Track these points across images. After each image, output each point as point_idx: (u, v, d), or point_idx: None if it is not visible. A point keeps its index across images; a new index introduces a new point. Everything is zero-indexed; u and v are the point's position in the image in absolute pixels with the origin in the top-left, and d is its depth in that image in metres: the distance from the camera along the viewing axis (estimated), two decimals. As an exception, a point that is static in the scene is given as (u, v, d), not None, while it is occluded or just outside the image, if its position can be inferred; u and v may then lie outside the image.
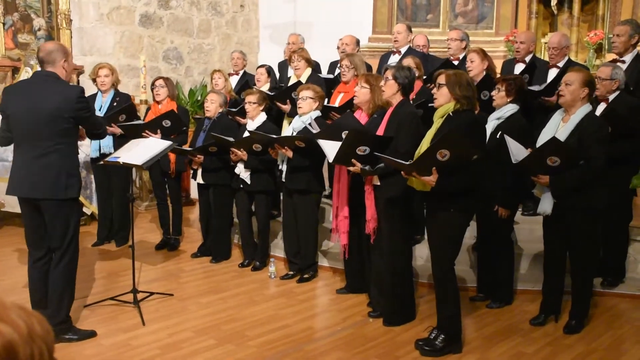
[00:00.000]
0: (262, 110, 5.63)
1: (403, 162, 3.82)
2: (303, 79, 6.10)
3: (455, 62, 6.32)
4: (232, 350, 3.97)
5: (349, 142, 4.17)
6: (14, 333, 1.01)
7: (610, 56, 6.47)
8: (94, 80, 6.23)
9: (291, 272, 5.50)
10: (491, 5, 8.72)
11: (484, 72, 5.41)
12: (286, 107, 6.06)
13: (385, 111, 4.42)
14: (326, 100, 5.85)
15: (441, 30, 8.65)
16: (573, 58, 7.08)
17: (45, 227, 4.03)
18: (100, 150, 6.11)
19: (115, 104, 6.09)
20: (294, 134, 5.22)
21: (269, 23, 10.71)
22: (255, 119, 5.61)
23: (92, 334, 4.15)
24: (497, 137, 4.43)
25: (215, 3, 10.13)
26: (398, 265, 4.37)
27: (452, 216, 3.82)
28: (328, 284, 5.35)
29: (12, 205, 6.52)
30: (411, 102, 4.63)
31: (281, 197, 5.72)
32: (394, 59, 6.35)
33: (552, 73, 5.57)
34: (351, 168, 4.29)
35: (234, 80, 7.26)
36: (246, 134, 5.50)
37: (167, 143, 4.65)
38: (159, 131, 5.77)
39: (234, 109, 6.21)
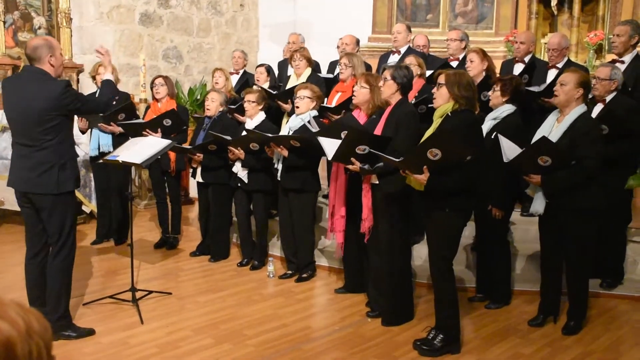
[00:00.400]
0: (261, 110, 5.63)
1: (394, 159, 3.82)
2: (303, 79, 6.10)
3: (455, 63, 6.32)
4: (230, 349, 3.97)
5: (349, 141, 4.17)
6: (12, 330, 1.02)
7: (610, 57, 6.46)
8: (94, 79, 6.24)
9: (289, 272, 5.50)
10: (491, 6, 8.72)
11: (484, 73, 5.40)
12: (287, 107, 6.06)
13: (383, 111, 4.42)
14: (325, 99, 5.87)
15: (441, 31, 8.64)
16: (573, 59, 7.08)
17: (42, 223, 4.04)
18: (99, 148, 6.11)
19: (114, 102, 6.08)
20: (291, 132, 5.22)
21: (269, 22, 10.71)
22: (254, 118, 5.61)
23: (90, 332, 4.15)
24: (493, 137, 4.43)
25: (215, 2, 10.13)
26: (396, 265, 4.37)
27: (448, 216, 3.82)
28: (326, 284, 5.35)
29: (12, 203, 6.50)
30: (411, 101, 4.63)
31: (279, 197, 5.71)
32: (393, 59, 6.35)
33: (552, 74, 5.56)
34: (350, 167, 4.29)
35: (234, 79, 7.26)
36: (244, 132, 5.50)
37: (166, 142, 4.65)
38: (159, 130, 5.77)
39: (233, 107, 6.22)
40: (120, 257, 5.93)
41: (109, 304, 4.67)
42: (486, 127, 4.57)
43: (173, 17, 9.53)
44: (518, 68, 6.00)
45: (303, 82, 5.71)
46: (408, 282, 4.55)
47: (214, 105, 5.84)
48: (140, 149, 4.51)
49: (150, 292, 4.87)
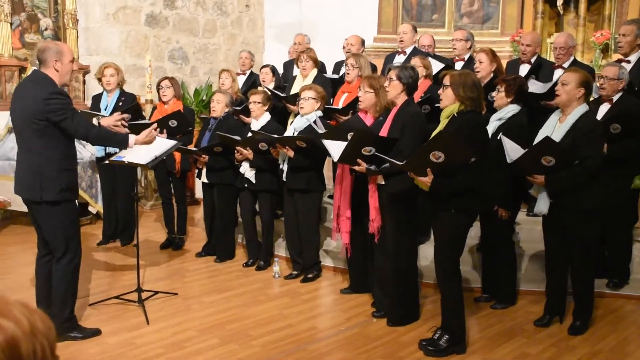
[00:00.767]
0: (266, 110, 5.64)
1: (398, 162, 3.82)
2: (309, 79, 6.10)
3: (461, 63, 6.32)
4: (235, 350, 3.98)
5: (355, 142, 4.18)
6: (16, 329, 1.04)
7: (616, 56, 6.44)
8: (100, 80, 6.25)
9: (295, 272, 5.51)
10: (497, 6, 8.70)
11: (492, 74, 5.39)
12: (295, 108, 6.06)
13: (388, 112, 4.42)
14: (331, 100, 5.87)
15: (446, 31, 8.63)
16: (579, 58, 7.05)
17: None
18: (105, 149, 6.12)
19: (120, 103, 6.11)
20: (296, 133, 5.23)
21: (274, 23, 10.72)
22: (259, 119, 5.62)
23: (96, 332, 4.17)
24: (498, 138, 4.42)
25: (220, 3, 10.14)
26: (402, 265, 4.36)
27: (453, 217, 3.82)
28: (332, 284, 5.35)
29: (19, 204, 6.54)
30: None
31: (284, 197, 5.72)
32: (399, 59, 6.35)
33: (558, 74, 5.54)
34: (356, 168, 4.29)
35: (240, 80, 7.27)
36: (250, 133, 5.51)
37: (172, 143, 4.66)
38: (165, 131, 5.78)
39: (238, 108, 6.23)
40: (126, 258, 5.95)
41: (115, 304, 4.69)
42: (491, 127, 4.56)
43: (179, 18, 9.56)
44: (524, 68, 5.98)
45: (307, 84, 5.71)
46: (414, 282, 4.54)
47: (219, 107, 5.85)
48: (146, 150, 4.51)
49: (156, 292, 4.88)
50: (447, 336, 3.95)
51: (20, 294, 4.70)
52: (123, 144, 4.18)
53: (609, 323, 4.52)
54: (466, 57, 6.34)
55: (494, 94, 4.63)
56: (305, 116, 5.20)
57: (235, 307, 4.75)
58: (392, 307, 4.46)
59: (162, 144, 4.58)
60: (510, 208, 4.57)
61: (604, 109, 4.84)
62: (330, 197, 5.92)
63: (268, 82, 6.73)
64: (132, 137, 4.18)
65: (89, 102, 6.94)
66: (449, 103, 3.87)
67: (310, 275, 5.41)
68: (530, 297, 4.94)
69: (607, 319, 4.60)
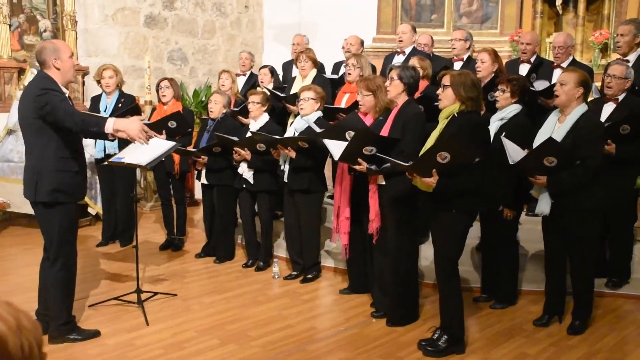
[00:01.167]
0: (264, 111, 5.64)
1: (403, 163, 3.82)
2: (309, 80, 6.10)
3: (460, 63, 6.32)
4: (235, 350, 3.98)
5: (357, 141, 4.18)
6: (2, 325, 1.08)
7: (615, 56, 6.44)
8: (99, 82, 6.25)
9: (294, 273, 5.51)
10: (496, 5, 8.69)
11: (493, 74, 5.40)
12: (294, 108, 6.06)
13: (389, 112, 4.42)
14: (331, 100, 5.87)
15: (445, 31, 8.62)
16: (578, 58, 7.05)
17: None
18: (105, 150, 6.13)
19: (120, 105, 6.11)
20: (296, 134, 5.23)
21: (274, 23, 10.72)
22: (258, 119, 5.62)
23: (96, 334, 4.16)
24: (501, 137, 4.42)
25: (219, 4, 10.15)
26: (402, 265, 4.36)
27: (454, 217, 3.81)
28: (331, 284, 5.35)
29: (18, 205, 6.56)
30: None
31: (284, 198, 5.72)
32: (398, 60, 6.35)
33: (557, 73, 5.54)
34: (357, 167, 4.29)
35: (240, 81, 7.27)
36: (249, 134, 5.51)
37: (171, 144, 4.66)
38: (164, 132, 5.78)
39: (236, 109, 6.23)
40: (126, 259, 5.95)
41: (115, 305, 4.68)
42: (493, 127, 4.55)
43: (178, 19, 9.56)
44: (523, 68, 6.00)
45: (307, 84, 5.71)
46: (414, 282, 4.54)
47: (217, 107, 5.85)
48: (145, 151, 4.51)
49: (156, 293, 4.88)
50: (446, 336, 3.95)
51: (21, 295, 4.71)
52: (101, 124, 3.85)
53: (608, 323, 4.52)
54: (465, 57, 6.35)
55: (496, 94, 4.62)
56: (305, 117, 5.20)
57: (234, 307, 4.75)
58: (391, 307, 4.46)
59: (161, 145, 4.58)
60: (515, 208, 4.57)
61: (608, 108, 4.83)
62: (330, 197, 5.92)
63: (267, 83, 6.73)
64: (110, 120, 3.89)
65: (88, 104, 6.94)
66: (449, 103, 3.87)
67: (309, 276, 5.41)
68: (529, 297, 4.94)
69: (606, 318, 4.60)
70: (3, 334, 1.05)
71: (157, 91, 6.25)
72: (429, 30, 8.06)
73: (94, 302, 4.74)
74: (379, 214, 4.42)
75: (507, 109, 4.56)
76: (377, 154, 4.12)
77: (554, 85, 5.03)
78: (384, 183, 4.33)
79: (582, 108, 4.12)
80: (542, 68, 5.90)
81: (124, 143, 5.81)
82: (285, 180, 5.32)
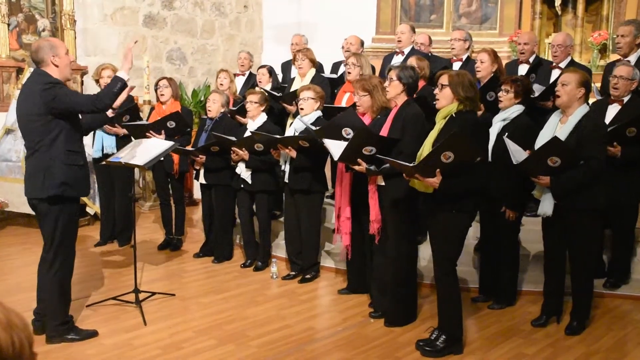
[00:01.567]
0: (262, 111, 5.64)
1: (407, 164, 3.81)
2: (307, 79, 6.10)
3: (458, 63, 6.32)
4: (233, 351, 3.98)
5: (357, 141, 4.17)
6: None
7: (614, 57, 6.44)
8: (97, 81, 6.25)
9: (293, 273, 5.51)
10: (495, 6, 8.69)
11: (492, 74, 5.39)
12: (292, 108, 6.06)
13: (388, 111, 4.42)
14: (330, 100, 5.87)
15: (445, 31, 8.62)
16: (577, 59, 7.06)
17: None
18: (103, 150, 6.12)
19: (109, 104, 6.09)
20: (296, 134, 5.23)
21: (273, 23, 10.72)
22: (256, 119, 5.61)
23: (93, 334, 4.16)
24: (503, 138, 4.41)
25: (218, 4, 10.15)
26: (402, 266, 4.36)
27: (453, 217, 3.81)
28: (330, 285, 5.35)
29: (16, 205, 6.56)
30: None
31: (284, 198, 5.72)
32: (397, 60, 6.35)
33: (555, 74, 5.54)
34: (356, 167, 4.28)
35: (239, 81, 7.26)
36: (247, 133, 5.51)
37: (169, 143, 4.66)
38: (163, 132, 5.78)
39: (234, 108, 6.22)
40: (124, 259, 5.94)
41: (113, 305, 4.68)
42: (496, 128, 4.55)
43: (177, 18, 9.56)
44: (522, 69, 5.99)
45: (306, 84, 5.70)
46: (412, 282, 4.54)
47: (215, 107, 5.85)
48: (143, 151, 4.52)
49: (154, 293, 4.88)
50: (444, 336, 3.95)
51: (20, 294, 4.72)
52: (121, 81, 3.94)
53: (606, 323, 4.52)
54: (464, 57, 6.35)
55: (500, 94, 4.60)
56: (302, 118, 5.18)
57: (232, 307, 4.75)
58: (389, 307, 4.46)
59: (159, 144, 4.58)
60: (518, 209, 4.57)
61: (613, 110, 4.82)
62: (330, 197, 5.92)
63: (265, 83, 6.73)
64: (122, 73, 4.00)
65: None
66: (446, 103, 3.87)
67: (308, 276, 5.41)
68: (528, 298, 4.94)
69: (604, 319, 4.60)
70: None
71: (156, 91, 6.24)
72: (428, 30, 8.06)
73: (92, 302, 4.73)
74: (379, 215, 4.42)
75: (510, 110, 4.55)
76: (377, 154, 4.12)
77: (551, 86, 5.04)
78: (383, 184, 4.32)
79: (584, 109, 4.12)
80: (540, 68, 5.89)
81: (122, 143, 5.83)
82: (286, 180, 5.32)
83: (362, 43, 6.82)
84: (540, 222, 4.44)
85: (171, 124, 5.76)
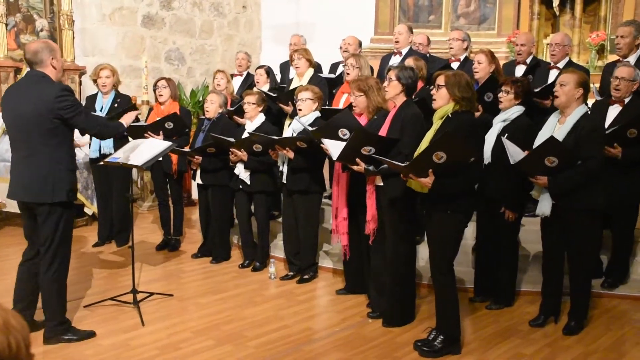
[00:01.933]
0: (260, 111, 5.64)
1: (399, 163, 3.82)
2: (305, 79, 6.10)
3: (456, 63, 6.32)
4: (231, 351, 3.97)
5: (356, 141, 4.18)
6: None
7: (612, 57, 6.44)
8: (95, 82, 6.25)
9: (291, 273, 5.51)
10: (493, 7, 8.70)
11: (489, 74, 5.40)
12: (288, 108, 6.06)
13: (385, 112, 4.42)
14: (329, 100, 5.86)
15: (443, 31, 8.63)
16: (575, 59, 7.06)
17: (37, 231, 4.01)
18: (100, 150, 6.12)
19: (116, 105, 6.10)
20: (294, 134, 5.23)
21: (271, 24, 10.72)
22: (254, 120, 5.61)
23: (91, 334, 4.15)
24: (502, 139, 4.41)
25: (217, 4, 10.15)
26: (400, 266, 4.36)
27: (449, 217, 3.82)
28: (328, 285, 5.35)
29: (14, 205, 6.53)
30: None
31: (282, 198, 5.72)
32: (395, 60, 6.35)
33: (553, 74, 5.55)
34: (355, 167, 4.29)
35: (237, 81, 7.26)
36: (245, 134, 5.50)
37: (166, 144, 4.66)
38: (161, 132, 5.78)
39: (232, 109, 6.22)
40: (122, 259, 5.94)
41: (110, 306, 4.68)
42: (496, 128, 4.55)
43: (175, 18, 9.55)
44: (519, 70, 5.99)
45: (303, 85, 5.70)
46: (410, 283, 4.54)
47: (213, 107, 5.84)
48: (141, 151, 4.52)
49: (152, 294, 4.87)
50: (442, 337, 3.95)
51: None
52: (123, 127, 4.47)
53: (604, 323, 4.52)
54: (462, 57, 6.35)
55: (500, 95, 4.60)
56: (300, 119, 5.18)
57: (230, 308, 4.75)
58: (387, 307, 4.46)
59: (157, 145, 4.58)
60: (517, 209, 4.57)
61: (614, 111, 4.82)
62: (328, 197, 5.92)
63: (262, 84, 6.73)
64: (124, 123, 4.51)
65: (83, 103, 6.92)
66: (443, 103, 3.88)
67: (306, 277, 5.41)
68: (526, 298, 4.94)
69: (602, 318, 4.60)
70: None
71: (154, 91, 6.24)
72: (427, 31, 8.07)
73: (89, 302, 4.72)
74: (375, 215, 4.43)
75: (510, 110, 4.55)
76: (374, 155, 4.12)
77: (549, 85, 5.04)
78: (381, 184, 4.33)
79: (583, 109, 4.12)
80: (538, 69, 5.90)
81: (119, 143, 5.82)
82: (284, 181, 5.32)
83: (360, 43, 6.83)
84: (536, 222, 4.44)
85: (169, 125, 5.75)
